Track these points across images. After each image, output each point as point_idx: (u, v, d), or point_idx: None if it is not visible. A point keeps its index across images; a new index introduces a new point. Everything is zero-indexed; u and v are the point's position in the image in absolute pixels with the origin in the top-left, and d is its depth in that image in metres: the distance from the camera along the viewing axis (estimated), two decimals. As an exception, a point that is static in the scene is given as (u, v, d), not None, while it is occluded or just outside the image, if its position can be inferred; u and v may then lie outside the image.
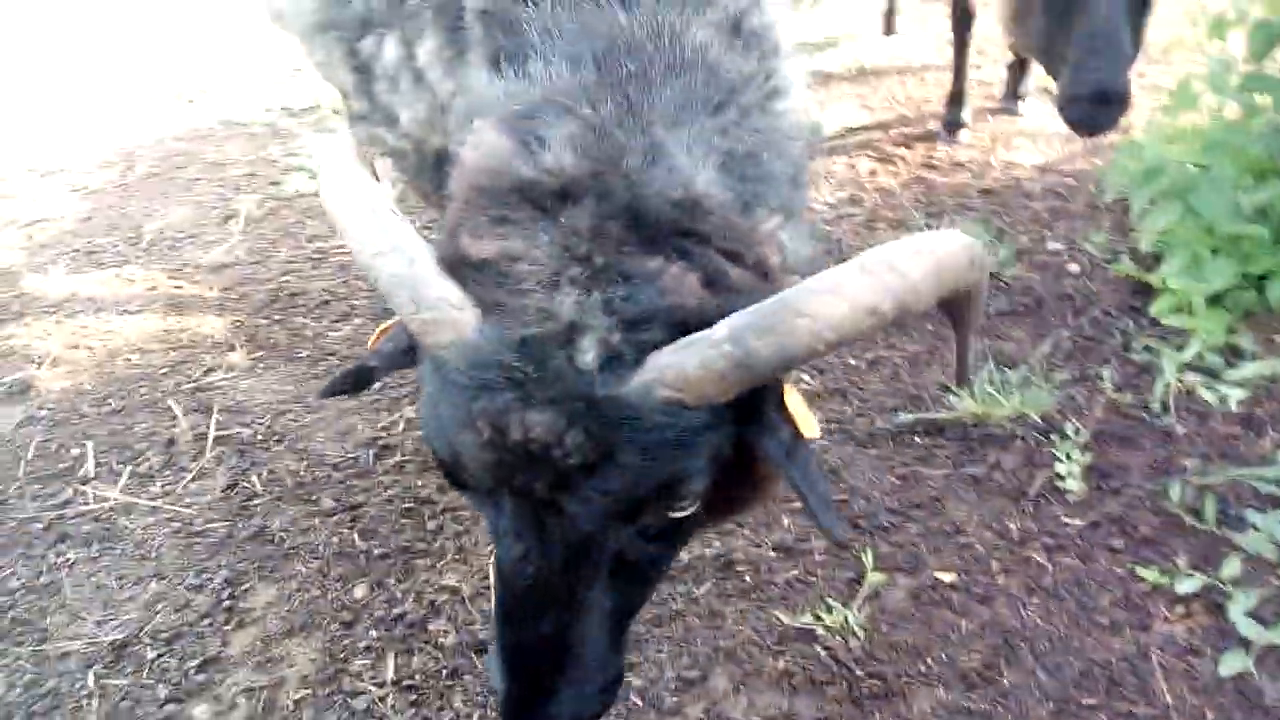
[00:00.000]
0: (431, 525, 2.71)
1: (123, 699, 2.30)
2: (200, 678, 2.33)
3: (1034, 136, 4.48)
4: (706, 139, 1.46)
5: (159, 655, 2.40)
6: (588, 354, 1.22)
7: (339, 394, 1.58)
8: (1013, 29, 3.49)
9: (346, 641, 2.40)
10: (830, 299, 1.22)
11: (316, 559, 2.63)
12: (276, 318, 3.62)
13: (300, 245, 4.10)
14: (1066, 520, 2.53)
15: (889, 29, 5.82)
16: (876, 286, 1.23)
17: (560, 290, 1.24)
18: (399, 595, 2.51)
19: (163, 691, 2.30)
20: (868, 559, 2.43)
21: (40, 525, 2.78)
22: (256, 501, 2.85)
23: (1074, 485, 2.60)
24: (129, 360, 3.41)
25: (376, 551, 2.64)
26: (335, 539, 2.69)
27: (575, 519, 1.28)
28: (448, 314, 1.30)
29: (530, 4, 1.56)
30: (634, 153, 1.36)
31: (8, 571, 2.64)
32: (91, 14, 7.53)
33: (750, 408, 1.32)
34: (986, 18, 4.11)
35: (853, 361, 3.19)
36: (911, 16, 6.04)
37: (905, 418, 2.90)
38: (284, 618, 2.48)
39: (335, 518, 2.76)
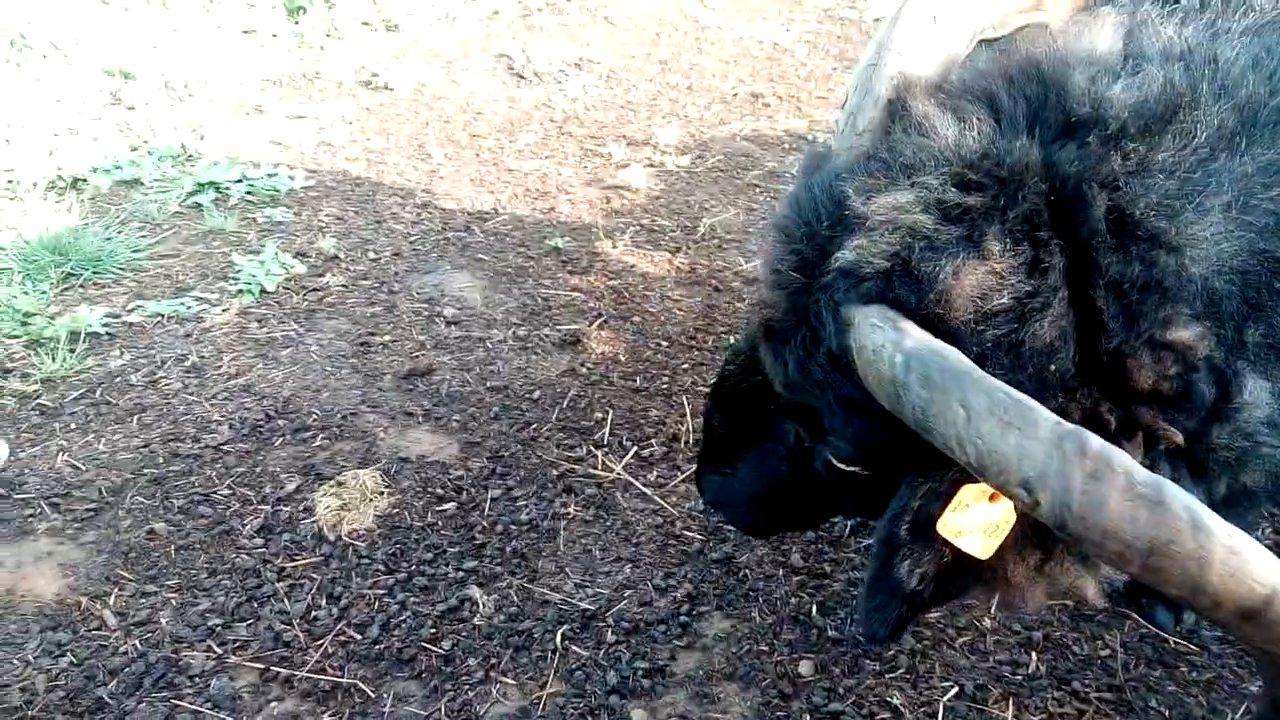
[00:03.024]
0: (891, 630, 2.59)
1: (578, 669, 2.50)
2: (645, 682, 2.46)
3: None
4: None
5: (616, 642, 2.57)
6: (837, 259, 1.25)
7: None
8: None
9: (781, 714, 2.38)
10: (1006, 426, 1.00)
11: (773, 613, 2.65)
12: (794, 349, 3.70)
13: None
14: None
15: None
16: (1071, 468, 0.96)
17: (899, 220, 1.21)
18: (841, 691, 2.43)
19: (611, 679, 2.46)
20: None
21: (556, 472, 3.11)
22: (732, 527, 2.94)
23: None
24: (659, 345, 3.69)
25: (830, 633, 2.58)
26: (794, 600, 2.68)
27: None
28: (847, 134, 1.39)
29: None
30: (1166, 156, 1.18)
31: (522, 503, 3.00)
32: None
33: (918, 450, 1.20)
34: None
35: None
36: None
37: None
38: (729, 658, 2.53)
39: (799, 578, 2.76)
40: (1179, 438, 1.18)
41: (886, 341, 1.12)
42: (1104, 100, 1.22)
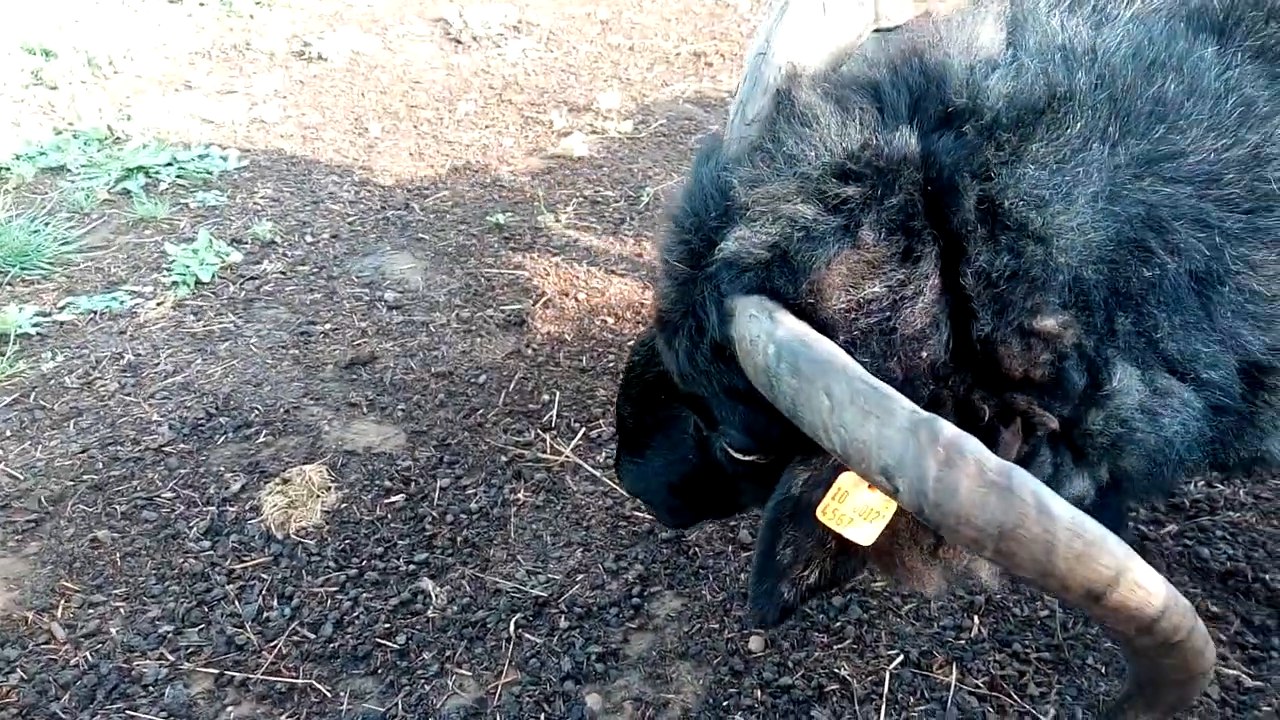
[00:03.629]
0: (838, 601, 2.65)
1: (533, 656, 2.53)
2: (599, 666, 2.50)
3: None
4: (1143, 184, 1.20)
5: (569, 627, 2.60)
6: (720, 250, 1.26)
7: None
8: None
9: (733, 691, 2.43)
10: (865, 414, 1.03)
11: (722, 591, 2.69)
12: (739, 320, 3.70)
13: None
14: None
15: None
16: (925, 457, 0.98)
17: (781, 210, 1.21)
18: (791, 665, 2.49)
19: (566, 664, 2.50)
20: None
21: (505, 458, 3.11)
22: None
23: None
24: (604, 323, 3.68)
25: (779, 607, 2.63)
26: (743, 576, 2.73)
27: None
28: (736, 124, 1.39)
29: None
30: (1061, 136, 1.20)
31: (471, 491, 3.00)
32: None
33: (797, 441, 1.25)
34: None
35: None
36: None
37: None
38: (681, 638, 2.57)
39: (747, 554, 2.80)
40: (1053, 423, 1.21)
41: (761, 332, 1.15)
42: (980, 90, 1.23)
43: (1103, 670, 2.45)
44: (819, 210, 1.19)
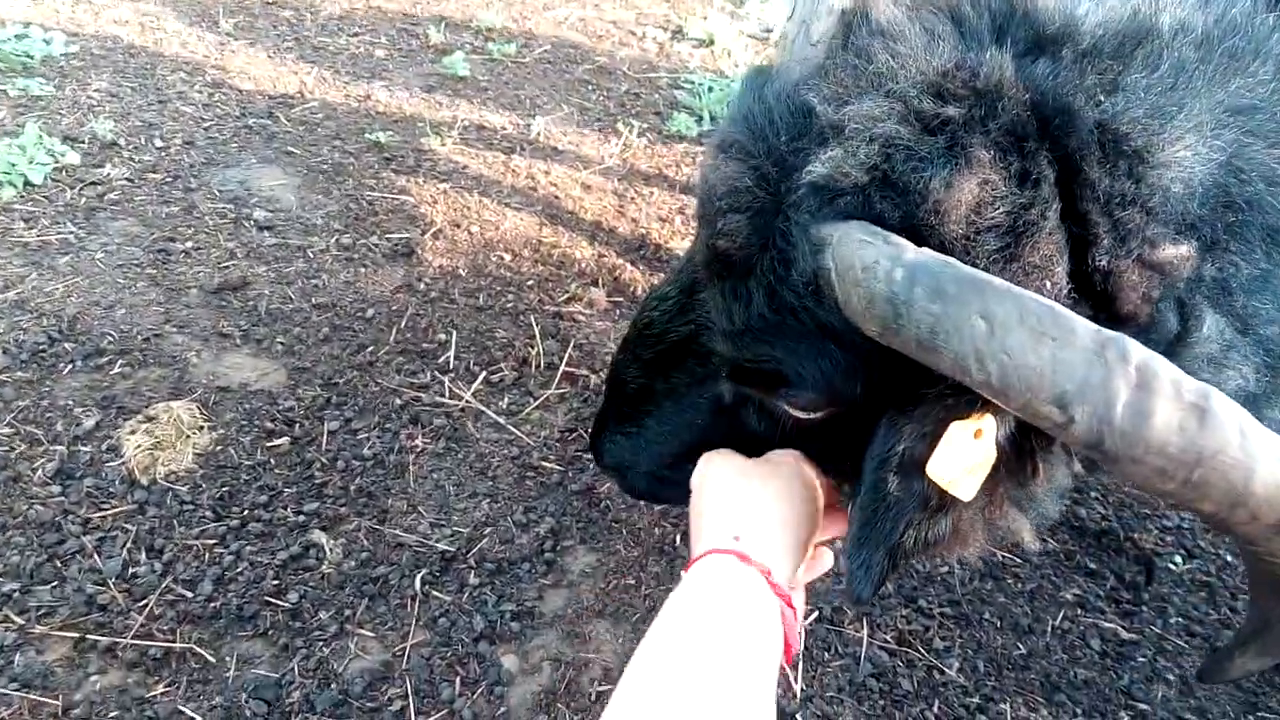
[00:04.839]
0: (751, 557, 2.63)
1: (442, 615, 2.38)
2: (514, 625, 2.38)
3: None
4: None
5: (480, 584, 2.46)
6: (808, 173, 1.12)
7: None
8: None
9: (653, 650, 2.37)
10: (1039, 336, 0.91)
11: (637, 545, 2.62)
12: (639, 266, 3.59)
13: (674, 195, 4.04)
14: None
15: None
16: (1114, 378, 0.89)
17: (882, 108, 1.10)
18: (709, 621, 2.46)
19: (478, 624, 2.36)
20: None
21: (399, 401, 2.89)
22: (590, 456, 2.86)
23: None
24: (501, 260, 3.47)
25: (695, 563, 2.59)
26: (658, 530, 2.67)
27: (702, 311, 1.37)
28: (799, 43, 1.37)
29: None
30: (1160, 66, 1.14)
31: (363, 436, 2.77)
32: None
33: (892, 387, 1.14)
34: None
35: None
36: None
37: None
38: (597, 594, 2.49)
39: (660, 508, 2.74)
40: None
41: (881, 256, 1.00)
42: (1073, 18, 1.18)
43: (998, 624, 2.57)
44: (919, 131, 1.09)
